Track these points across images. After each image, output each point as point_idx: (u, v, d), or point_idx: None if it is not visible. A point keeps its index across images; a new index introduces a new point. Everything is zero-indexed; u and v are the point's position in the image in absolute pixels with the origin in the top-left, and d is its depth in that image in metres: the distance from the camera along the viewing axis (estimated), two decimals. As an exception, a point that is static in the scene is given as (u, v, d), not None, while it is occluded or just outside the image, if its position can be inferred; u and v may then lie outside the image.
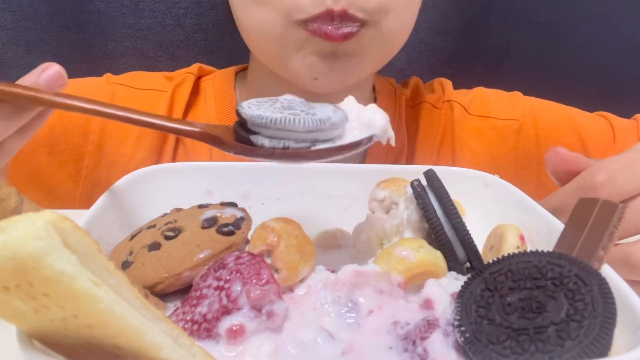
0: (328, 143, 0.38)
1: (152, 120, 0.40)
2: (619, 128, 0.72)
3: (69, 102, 0.40)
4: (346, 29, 0.56)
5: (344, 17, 0.55)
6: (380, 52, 0.62)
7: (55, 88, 0.41)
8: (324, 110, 0.38)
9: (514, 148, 0.72)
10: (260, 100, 0.39)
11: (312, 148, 0.37)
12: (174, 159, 0.69)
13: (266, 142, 0.37)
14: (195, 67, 0.75)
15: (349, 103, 0.40)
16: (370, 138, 0.38)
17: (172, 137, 0.69)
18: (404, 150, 0.72)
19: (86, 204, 0.67)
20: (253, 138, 0.37)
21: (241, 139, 0.38)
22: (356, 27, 0.57)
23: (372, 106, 0.39)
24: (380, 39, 0.59)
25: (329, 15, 0.55)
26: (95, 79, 0.72)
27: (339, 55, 0.58)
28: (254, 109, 0.37)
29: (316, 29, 0.56)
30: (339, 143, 0.38)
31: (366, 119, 0.38)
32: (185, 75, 0.73)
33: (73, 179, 0.69)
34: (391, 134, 0.39)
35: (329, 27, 0.56)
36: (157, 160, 0.68)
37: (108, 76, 0.72)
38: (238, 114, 0.38)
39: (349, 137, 0.38)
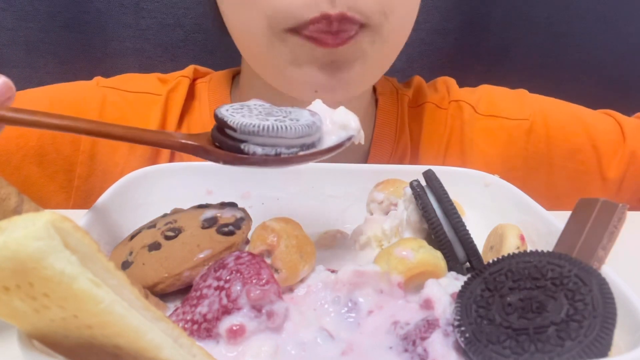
0: (313, 147, 0.39)
1: (126, 133, 0.37)
2: (627, 126, 0.71)
3: (31, 118, 0.35)
4: (344, 35, 0.52)
5: (343, 20, 0.51)
6: (382, 57, 0.58)
7: (4, 102, 0.36)
8: (303, 115, 0.39)
9: (524, 149, 0.71)
10: (235, 107, 0.38)
11: (301, 153, 0.38)
12: None
13: (258, 150, 0.37)
14: (189, 70, 0.72)
15: (319, 106, 0.41)
16: (349, 139, 0.40)
17: None
18: (407, 152, 0.71)
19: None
20: (244, 146, 0.36)
21: (228, 147, 0.37)
22: (354, 30, 0.52)
23: (342, 109, 0.41)
24: (381, 42, 0.55)
25: (326, 20, 0.50)
26: (85, 83, 0.70)
27: (339, 63, 0.54)
28: (238, 116, 0.37)
29: (309, 34, 0.52)
30: (321, 146, 0.39)
31: (341, 122, 0.40)
32: (180, 79, 0.70)
33: (65, 190, 0.67)
34: (362, 134, 0.41)
35: (323, 35, 0.51)
36: None
37: (98, 79, 0.70)
38: (222, 121, 0.36)
39: (328, 139, 0.39)
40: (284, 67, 0.56)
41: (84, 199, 0.67)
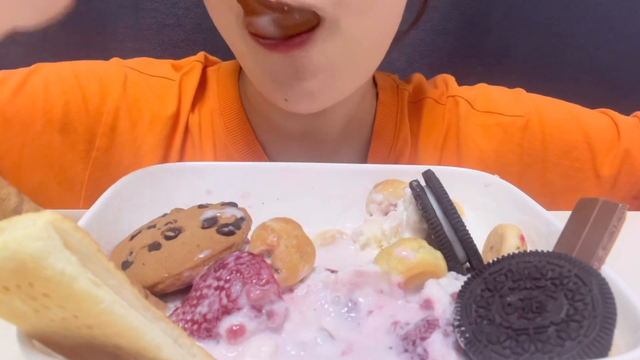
0: None
1: None
2: (623, 125, 0.72)
3: None
4: (291, 31, 0.48)
5: (286, 11, 0.46)
6: (351, 65, 0.55)
7: None
8: None
9: (520, 145, 0.71)
10: None
11: None
12: (182, 149, 0.68)
13: None
14: (201, 55, 0.73)
15: None
16: None
17: (181, 128, 0.68)
18: (407, 146, 0.72)
19: (93, 188, 0.65)
20: None
21: None
22: (306, 28, 0.49)
23: None
24: (342, 42, 0.52)
25: (265, 4, 0.46)
26: (105, 62, 0.71)
27: (301, 71, 0.52)
28: None
29: (253, 32, 0.49)
30: None
31: None
32: (194, 63, 0.72)
33: (83, 160, 0.67)
34: None
35: (266, 28, 0.47)
36: (167, 148, 0.67)
37: (117, 59, 0.71)
38: None
39: None
40: (254, 71, 0.57)
41: (101, 171, 0.67)
